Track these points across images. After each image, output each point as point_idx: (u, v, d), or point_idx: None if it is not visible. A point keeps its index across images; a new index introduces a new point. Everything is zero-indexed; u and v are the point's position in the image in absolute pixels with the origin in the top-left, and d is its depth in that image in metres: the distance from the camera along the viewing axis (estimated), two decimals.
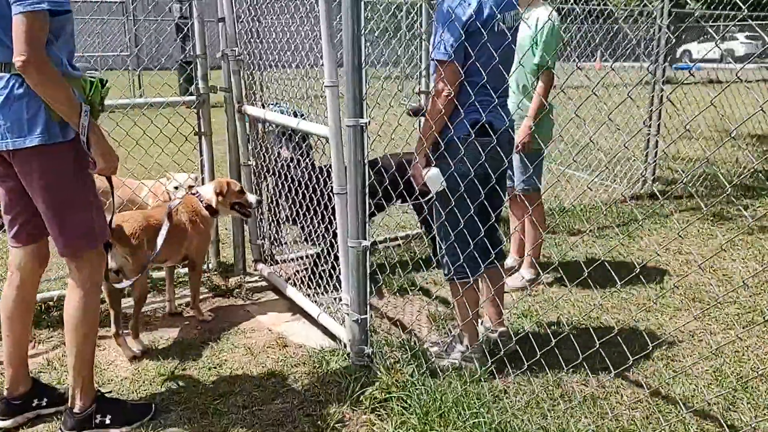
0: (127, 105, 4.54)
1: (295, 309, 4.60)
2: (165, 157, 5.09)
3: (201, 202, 4.39)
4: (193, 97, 4.77)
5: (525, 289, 4.82)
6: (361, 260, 3.49)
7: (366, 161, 3.37)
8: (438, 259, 3.71)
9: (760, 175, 8.02)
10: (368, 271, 3.52)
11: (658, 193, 7.30)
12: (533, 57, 4.48)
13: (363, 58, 3.23)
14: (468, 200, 3.36)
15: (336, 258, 4.18)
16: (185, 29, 5.07)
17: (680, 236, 6.01)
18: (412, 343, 3.75)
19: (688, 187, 7.43)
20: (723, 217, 6.70)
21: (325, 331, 4.16)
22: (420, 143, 3.40)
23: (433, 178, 3.31)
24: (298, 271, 4.82)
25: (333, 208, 3.75)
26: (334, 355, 3.81)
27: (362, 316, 3.55)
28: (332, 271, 4.14)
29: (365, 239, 3.45)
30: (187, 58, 5.06)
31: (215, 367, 3.79)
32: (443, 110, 3.23)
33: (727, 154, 8.72)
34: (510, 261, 5.19)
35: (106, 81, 2.92)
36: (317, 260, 4.58)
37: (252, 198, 4.53)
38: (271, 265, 5.11)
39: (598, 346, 2.90)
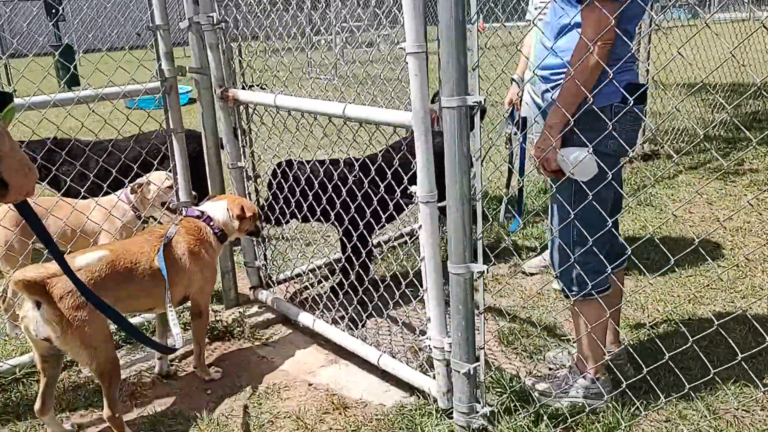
0: (69, 100, 3.27)
1: (325, 345, 3.58)
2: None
3: (210, 226, 3.27)
4: (157, 84, 3.55)
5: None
6: (470, 291, 2.54)
7: (471, 154, 2.41)
8: (557, 272, 2.81)
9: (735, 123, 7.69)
10: (480, 307, 2.58)
11: (656, 154, 6.77)
12: None
13: (468, 11, 2.25)
14: (608, 191, 2.50)
15: (363, 267, 3.20)
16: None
17: (707, 201, 5.45)
18: (527, 391, 2.86)
19: (683, 144, 6.94)
20: (728, 173, 6.25)
21: (385, 375, 3.19)
22: (556, 113, 2.46)
23: (585, 161, 2.40)
24: (319, 295, 3.77)
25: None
26: (425, 416, 2.85)
27: (472, 365, 2.61)
28: (356, 286, 3.23)
29: (475, 261, 2.50)
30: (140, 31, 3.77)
31: None
32: (598, 65, 2.32)
33: (699, 105, 8.35)
34: None
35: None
36: (344, 275, 3.57)
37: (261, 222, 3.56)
38: (269, 287, 4.02)
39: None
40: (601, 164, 2.43)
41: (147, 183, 4.00)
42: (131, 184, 4.00)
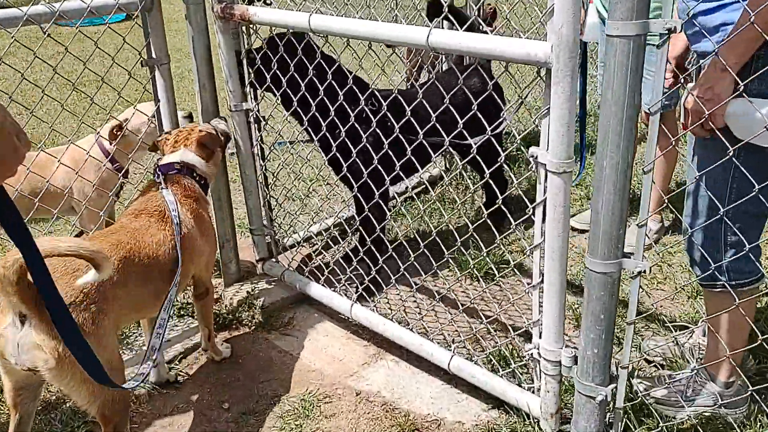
0: (15, 19, 2.31)
1: (361, 332, 2.88)
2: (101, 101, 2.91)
3: (194, 177, 2.52)
4: None
5: (651, 247, 3.43)
6: (616, 296, 1.85)
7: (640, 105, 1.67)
8: (697, 258, 2.14)
9: None
10: (630, 315, 1.89)
11: None
12: None
13: None
14: None
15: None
16: None
17: None
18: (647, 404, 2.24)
19: None
20: None
21: (451, 377, 2.52)
22: (734, 49, 1.72)
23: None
24: (340, 264, 3.00)
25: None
26: None
27: (607, 389, 1.94)
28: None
29: (627, 256, 1.79)
30: None
31: None
32: None
33: None
34: None
35: None
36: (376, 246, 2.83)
37: (222, 125, 2.78)
38: (278, 255, 3.24)
39: None
40: None
41: (127, 121, 3.07)
42: (106, 127, 3.09)
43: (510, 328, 2.50)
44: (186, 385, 2.65)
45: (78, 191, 3.03)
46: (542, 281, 2.01)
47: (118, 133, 3.03)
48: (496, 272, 2.40)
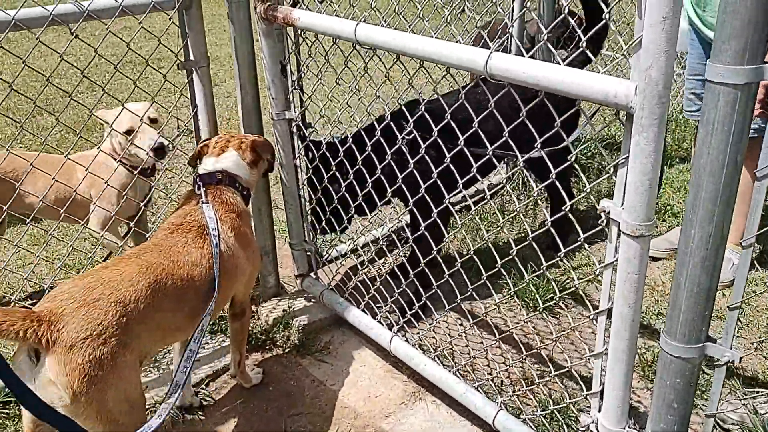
0: (41, 19, 2.14)
1: (401, 366, 2.65)
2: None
3: (237, 188, 2.32)
4: None
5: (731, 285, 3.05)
6: (695, 383, 1.55)
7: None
8: None
9: None
10: (712, 407, 1.59)
11: None
12: None
13: None
14: None
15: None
16: None
17: None
18: None
19: None
20: None
21: (491, 431, 2.27)
22: None
23: None
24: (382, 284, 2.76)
25: None
26: None
27: None
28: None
29: (713, 341, 1.49)
30: None
31: None
32: None
33: None
34: None
35: None
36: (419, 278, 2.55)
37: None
38: (318, 270, 3.03)
39: None
40: None
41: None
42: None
43: (567, 379, 2.22)
44: (212, 412, 2.49)
45: (94, 197, 2.86)
46: (606, 350, 1.73)
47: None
48: (556, 305, 2.12)
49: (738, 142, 1.29)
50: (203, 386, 2.59)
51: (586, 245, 1.74)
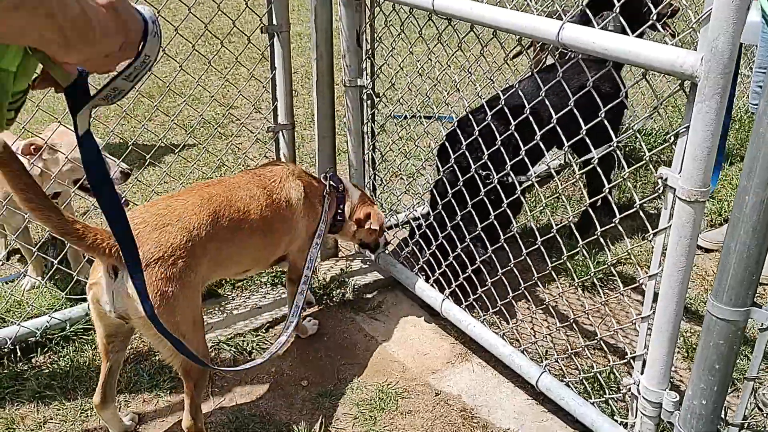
0: None
1: (449, 328, 2.78)
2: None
3: (339, 208, 2.65)
4: None
5: None
6: (737, 347, 1.63)
7: None
8: None
9: None
10: (753, 370, 1.66)
11: None
12: None
13: None
14: None
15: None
16: None
17: None
18: None
19: None
20: None
21: (536, 395, 2.37)
22: None
23: None
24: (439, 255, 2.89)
25: None
26: None
27: None
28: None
29: (758, 306, 1.57)
30: None
31: None
32: None
33: None
34: None
35: None
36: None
37: (382, 239, 2.89)
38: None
39: None
40: None
41: (49, 148, 2.58)
42: (24, 143, 2.57)
43: (609, 350, 2.30)
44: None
45: None
46: (653, 314, 1.81)
47: (34, 152, 2.56)
48: (599, 283, 2.21)
49: None
50: (263, 331, 2.76)
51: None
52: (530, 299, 2.73)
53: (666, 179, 1.65)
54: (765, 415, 2.33)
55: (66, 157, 2.56)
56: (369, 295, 3.02)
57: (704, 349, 1.66)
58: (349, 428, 2.30)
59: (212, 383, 2.50)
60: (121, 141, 4.32)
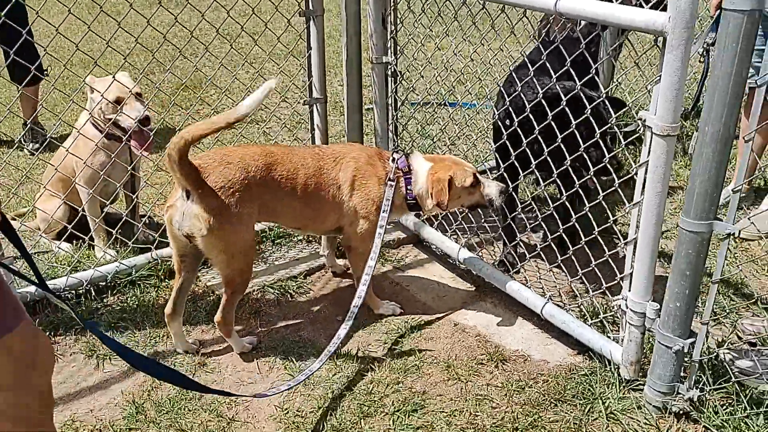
0: None
1: (466, 276, 3.15)
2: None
3: (406, 188, 2.70)
4: None
5: None
6: (704, 255, 2.00)
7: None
8: None
9: None
10: (716, 275, 2.03)
11: None
12: None
13: None
14: None
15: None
16: None
17: None
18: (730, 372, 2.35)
19: None
20: None
21: (543, 323, 2.74)
22: None
23: None
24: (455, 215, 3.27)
25: None
26: (604, 386, 2.40)
27: (686, 342, 2.11)
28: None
29: (720, 219, 1.94)
30: None
31: (414, 412, 2.35)
32: None
33: None
34: None
35: None
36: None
37: (492, 189, 2.71)
38: None
39: None
40: None
41: (90, 91, 3.04)
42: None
43: (604, 278, 2.66)
44: (309, 298, 3.04)
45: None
46: (636, 238, 2.18)
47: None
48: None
49: (742, 58, 1.73)
50: (302, 277, 3.15)
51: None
52: (535, 248, 3.10)
53: (645, 120, 2.03)
54: (743, 341, 2.69)
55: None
56: (394, 251, 3.40)
57: (677, 258, 2.03)
58: (380, 350, 2.68)
59: (259, 318, 2.88)
60: (168, 127, 4.73)
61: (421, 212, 2.93)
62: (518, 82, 2.67)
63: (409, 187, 2.70)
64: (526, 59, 2.65)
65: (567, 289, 2.91)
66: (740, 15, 1.70)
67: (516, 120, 2.69)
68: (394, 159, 2.71)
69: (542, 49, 2.56)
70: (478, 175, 2.71)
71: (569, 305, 2.71)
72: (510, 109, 2.73)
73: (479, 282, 3.08)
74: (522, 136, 2.68)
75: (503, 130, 2.81)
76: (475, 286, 3.10)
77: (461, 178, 2.65)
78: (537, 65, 2.54)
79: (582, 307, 2.67)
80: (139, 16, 2.89)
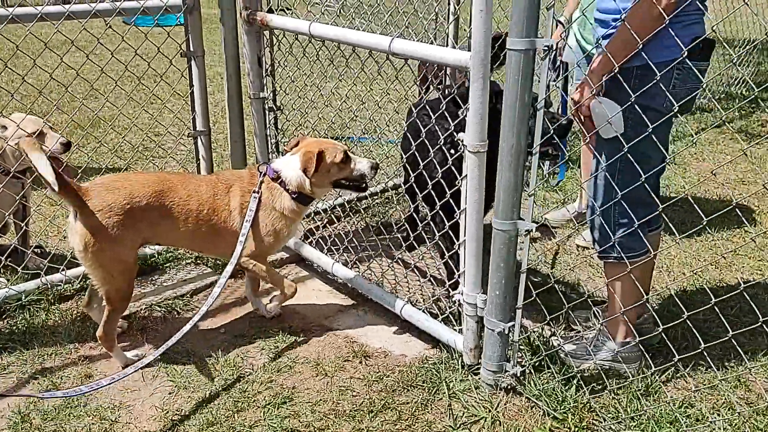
0: (85, 12, 3.01)
1: (343, 289, 3.48)
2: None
3: (285, 188, 2.88)
4: (178, 1, 3.29)
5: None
6: (513, 250, 2.41)
7: (533, 103, 2.24)
8: (595, 235, 2.69)
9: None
10: (523, 266, 2.44)
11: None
12: None
13: None
14: (656, 150, 2.35)
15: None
16: None
17: (733, 162, 5.30)
18: (555, 352, 2.76)
19: (704, 101, 6.72)
20: (749, 133, 6.09)
21: (406, 325, 3.09)
22: (603, 60, 2.31)
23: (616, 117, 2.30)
24: (336, 236, 3.61)
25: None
26: (449, 371, 2.76)
27: (507, 325, 2.50)
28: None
29: (521, 218, 2.36)
30: None
31: (283, 404, 2.63)
32: (660, 17, 2.11)
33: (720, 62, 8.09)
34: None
35: None
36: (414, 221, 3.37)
37: (363, 164, 2.92)
38: None
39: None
40: (647, 120, 2.24)
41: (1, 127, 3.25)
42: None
43: (446, 281, 3.06)
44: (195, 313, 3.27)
45: None
46: (465, 239, 2.58)
47: None
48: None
49: (524, 86, 2.17)
50: (189, 296, 3.39)
51: None
52: (399, 262, 3.47)
53: (462, 140, 2.44)
54: (573, 332, 3.12)
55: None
56: (277, 270, 3.69)
57: (493, 253, 2.43)
58: (258, 356, 2.95)
59: (146, 335, 3.10)
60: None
61: (312, 201, 3.01)
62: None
63: (287, 187, 2.85)
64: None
65: (419, 289, 3.29)
66: (518, 53, 2.13)
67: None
68: (260, 172, 2.90)
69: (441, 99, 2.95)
70: (349, 152, 2.91)
71: (427, 306, 3.08)
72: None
73: (353, 294, 3.41)
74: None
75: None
76: (350, 298, 3.43)
77: (332, 153, 2.84)
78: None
79: (436, 305, 3.04)
80: (27, 57, 3.12)
